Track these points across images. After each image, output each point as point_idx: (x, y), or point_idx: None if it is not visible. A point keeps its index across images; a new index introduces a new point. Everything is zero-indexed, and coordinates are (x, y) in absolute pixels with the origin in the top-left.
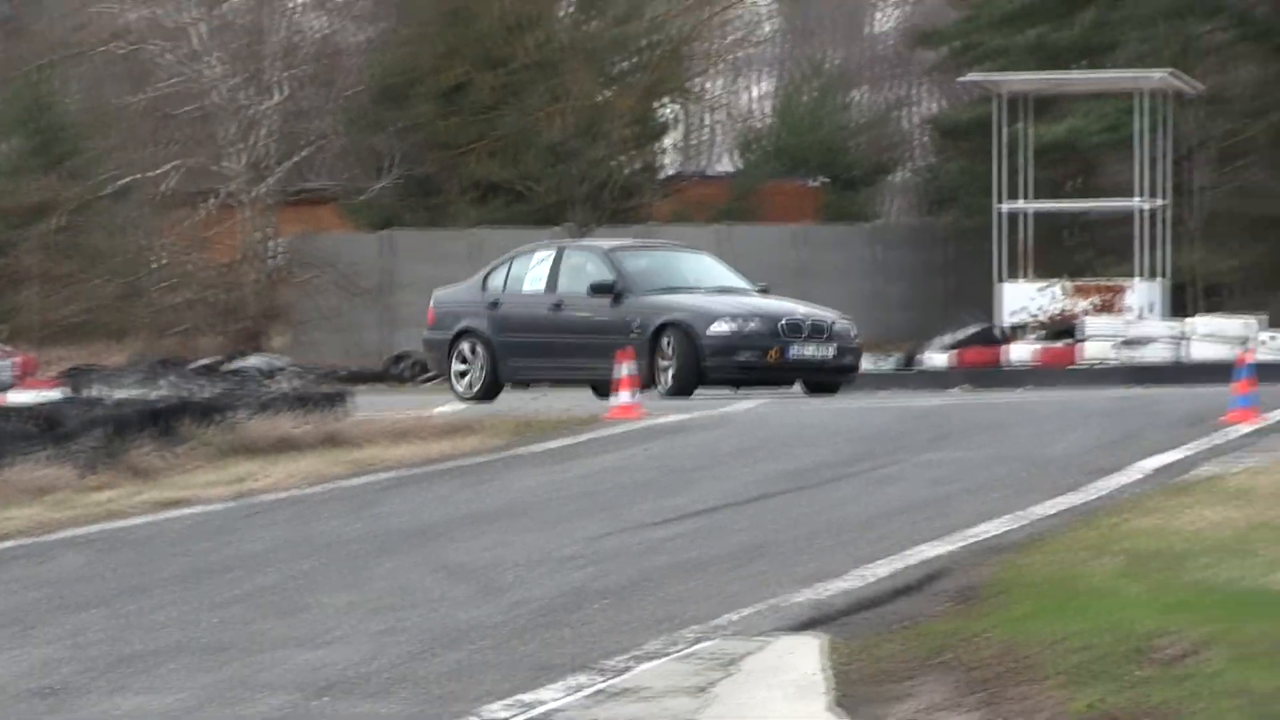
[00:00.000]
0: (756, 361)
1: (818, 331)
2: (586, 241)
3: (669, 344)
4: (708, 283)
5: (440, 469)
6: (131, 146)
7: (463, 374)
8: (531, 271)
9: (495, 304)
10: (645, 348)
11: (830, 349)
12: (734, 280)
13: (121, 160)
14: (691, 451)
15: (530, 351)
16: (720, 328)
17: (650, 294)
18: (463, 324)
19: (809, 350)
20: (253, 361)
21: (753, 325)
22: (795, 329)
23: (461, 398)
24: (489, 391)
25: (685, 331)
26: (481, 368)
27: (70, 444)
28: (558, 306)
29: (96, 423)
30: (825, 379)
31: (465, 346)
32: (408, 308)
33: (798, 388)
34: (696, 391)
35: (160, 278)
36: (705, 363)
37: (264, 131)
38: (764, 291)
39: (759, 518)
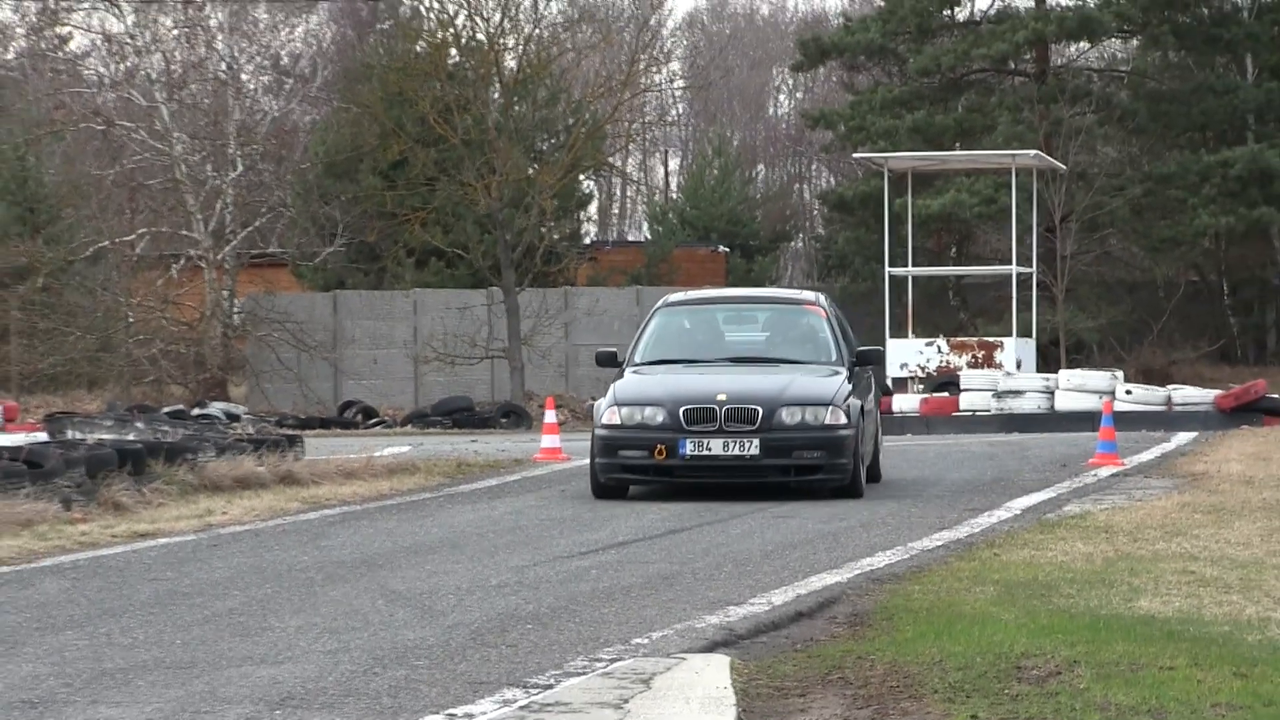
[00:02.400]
0: (643, 461)
1: (741, 420)
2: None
3: None
4: (751, 353)
5: (385, 505)
6: (105, 215)
7: None
8: None
9: None
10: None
11: (753, 445)
12: (804, 351)
13: (96, 227)
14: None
15: None
16: (610, 418)
17: (634, 369)
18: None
19: (715, 447)
20: (215, 409)
21: (646, 414)
22: (702, 417)
23: None
24: None
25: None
26: None
27: (51, 482)
28: None
29: (75, 463)
30: (746, 481)
31: None
32: (354, 359)
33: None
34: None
35: (132, 333)
36: (594, 463)
37: (224, 202)
38: (858, 364)
39: (670, 550)
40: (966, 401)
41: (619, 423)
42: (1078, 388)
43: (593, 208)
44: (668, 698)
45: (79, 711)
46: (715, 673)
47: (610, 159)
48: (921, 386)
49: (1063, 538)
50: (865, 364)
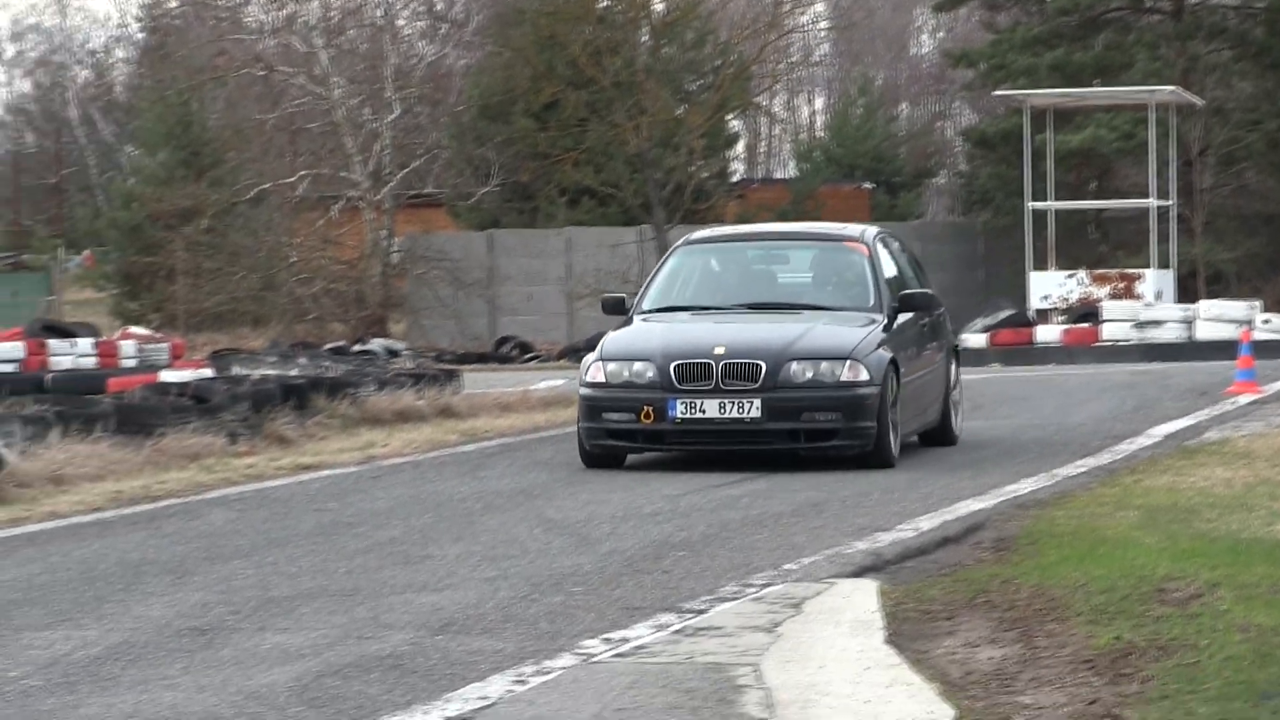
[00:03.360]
0: (629, 425)
1: (740, 377)
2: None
3: None
4: (775, 298)
5: (540, 437)
6: (267, 158)
7: None
8: None
9: None
10: None
11: (753, 407)
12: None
13: (258, 170)
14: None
15: None
16: (595, 374)
17: (641, 316)
18: None
19: (710, 409)
20: (376, 345)
21: (634, 370)
22: (696, 373)
23: None
24: None
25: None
26: None
27: (218, 416)
28: None
29: (240, 398)
30: (745, 449)
31: None
32: (510, 296)
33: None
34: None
35: (294, 272)
36: (579, 427)
37: (382, 144)
38: (900, 309)
39: (817, 479)
40: (1107, 332)
41: (604, 380)
42: (1216, 318)
43: (740, 146)
44: (817, 621)
45: (246, 638)
46: (864, 597)
47: (757, 99)
48: (1063, 318)
49: (1203, 464)
50: (910, 309)
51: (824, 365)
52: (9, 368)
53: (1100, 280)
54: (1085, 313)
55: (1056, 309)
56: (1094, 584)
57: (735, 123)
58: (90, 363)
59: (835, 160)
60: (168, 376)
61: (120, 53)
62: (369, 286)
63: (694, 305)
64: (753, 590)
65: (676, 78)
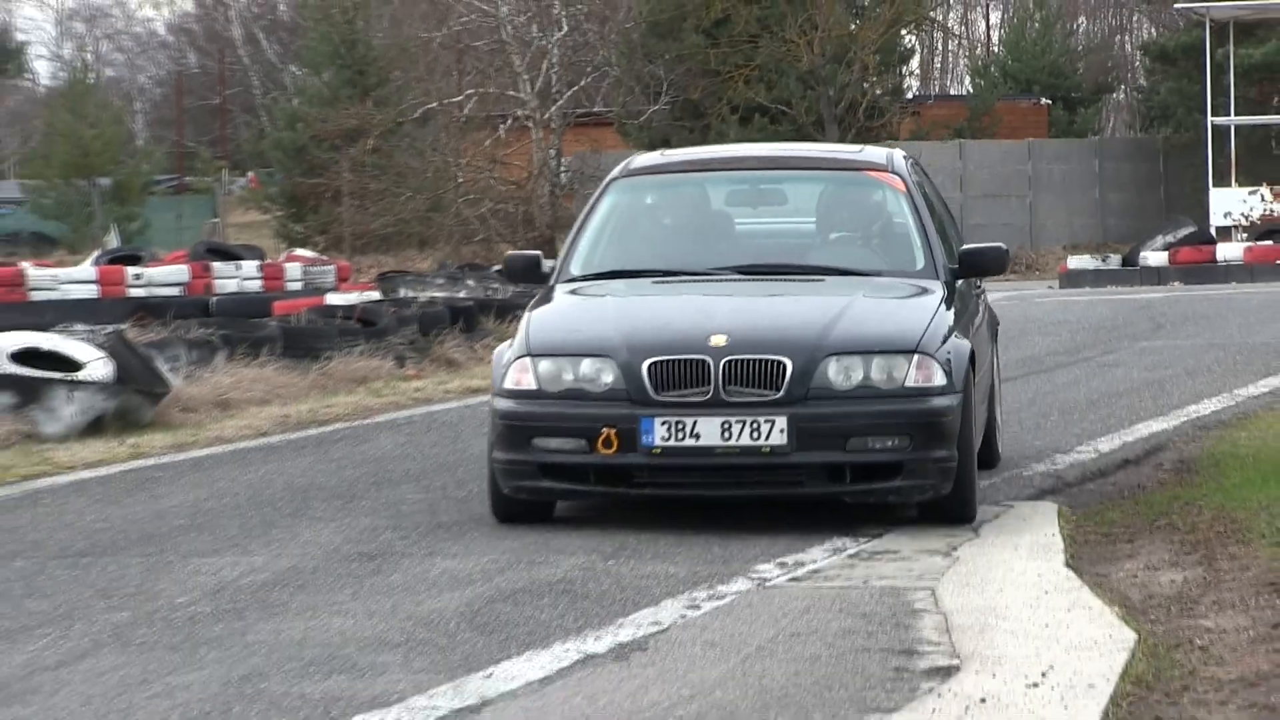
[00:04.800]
0: (576, 458)
1: (754, 382)
2: None
3: None
4: (775, 257)
5: None
6: (433, 77)
7: None
8: None
9: None
10: None
11: (777, 429)
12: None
13: (424, 89)
14: None
15: None
16: (519, 378)
17: (569, 285)
18: None
19: (708, 433)
20: (545, 266)
21: (583, 370)
22: (684, 377)
23: None
24: None
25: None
26: None
27: (385, 339)
28: None
29: (408, 321)
30: (760, 494)
31: None
32: None
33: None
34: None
35: (461, 193)
36: (492, 460)
37: (550, 62)
38: (961, 272)
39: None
40: None
41: (535, 388)
42: None
43: (914, 62)
44: (996, 545)
45: (415, 563)
46: (1042, 520)
47: (932, 13)
48: (1245, 235)
49: None
50: (976, 272)
51: (878, 362)
52: (174, 291)
53: None
54: (1269, 230)
55: (1239, 226)
56: (1278, 506)
57: (909, 37)
58: (255, 286)
59: (1012, 75)
60: (334, 299)
61: None
62: (537, 207)
63: (651, 269)
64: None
65: None
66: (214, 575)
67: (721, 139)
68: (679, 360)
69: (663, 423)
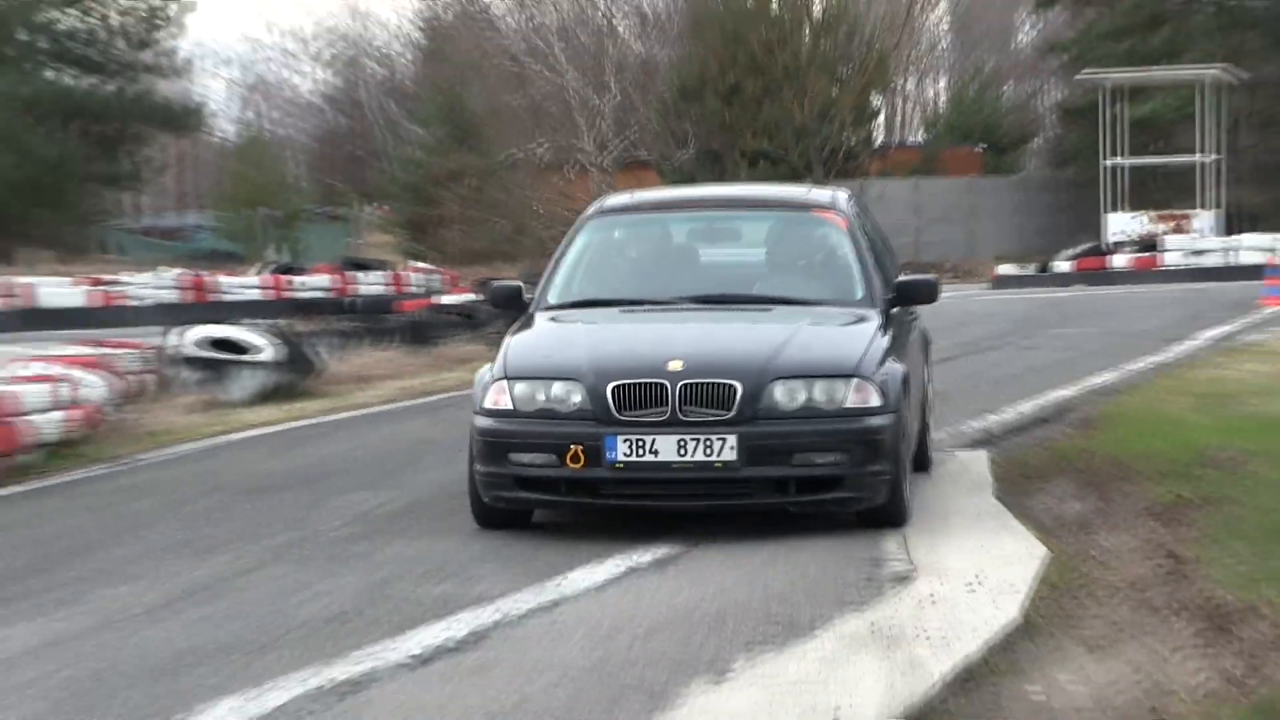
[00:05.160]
0: (548, 472)
1: (708, 402)
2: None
3: None
4: (730, 286)
5: None
6: (516, 131)
7: None
8: None
9: None
10: None
11: (728, 446)
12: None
13: (510, 141)
14: None
15: None
16: (496, 399)
17: (547, 313)
18: None
19: (666, 449)
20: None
21: (554, 392)
22: (643, 398)
23: None
24: None
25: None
26: None
27: (481, 330)
28: None
29: (498, 316)
30: (713, 504)
31: None
32: None
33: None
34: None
35: (539, 220)
36: (473, 473)
37: (604, 119)
38: (897, 300)
39: (944, 374)
40: (1166, 260)
41: (510, 408)
42: (1250, 247)
43: (880, 118)
44: (942, 483)
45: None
46: (977, 464)
47: (893, 81)
48: (1131, 248)
49: (1240, 360)
50: (911, 301)
51: (820, 386)
52: (323, 294)
53: (1160, 219)
54: (1148, 244)
55: (1126, 242)
56: (1156, 453)
57: (876, 100)
58: (384, 290)
59: (955, 128)
60: (443, 300)
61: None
62: None
63: (619, 298)
64: None
65: (831, 66)
66: (355, 508)
67: (735, 177)
68: (639, 383)
69: (624, 440)
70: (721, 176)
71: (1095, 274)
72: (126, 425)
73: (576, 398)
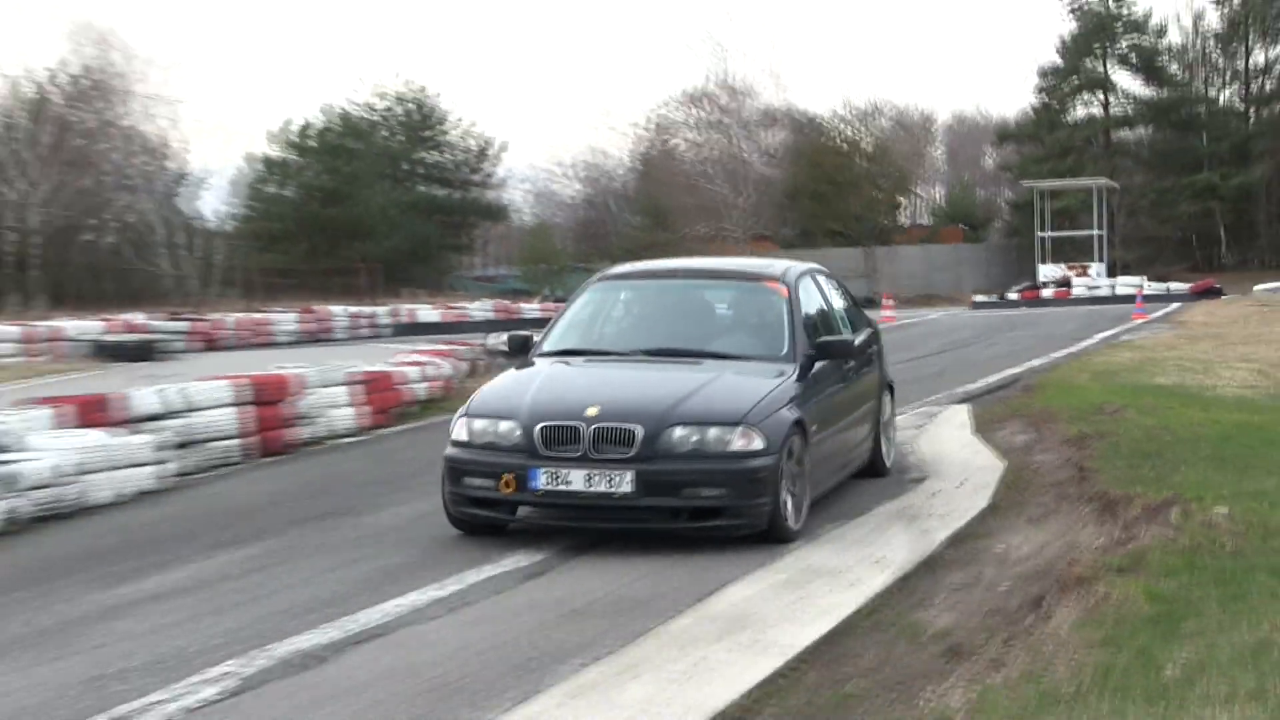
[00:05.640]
0: (489, 493)
1: (613, 443)
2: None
3: None
4: (679, 343)
5: None
6: (690, 218)
7: None
8: None
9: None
10: None
11: (625, 480)
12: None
13: (686, 224)
14: (910, 333)
15: None
16: (459, 431)
17: (540, 358)
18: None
19: (576, 480)
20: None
21: (501, 430)
22: (564, 437)
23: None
24: None
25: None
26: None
27: None
28: None
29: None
30: (616, 527)
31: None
32: None
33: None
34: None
35: None
36: (444, 490)
37: (741, 211)
38: (818, 356)
39: (939, 360)
40: (1075, 292)
41: (467, 440)
42: (1124, 284)
43: (903, 209)
44: (940, 424)
45: None
46: (962, 413)
47: (911, 188)
48: (1053, 285)
49: (1119, 351)
50: (828, 357)
51: (712, 432)
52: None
53: (1071, 268)
54: (1064, 283)
55: (1050, 282)
56: (1069, 406)
57: (901, 199)
58: None
59: (948, 215)
60: None
61: (626, 171)
62: None
63: (591, 349)
64: (912, 408)
65: (874, 180)
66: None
67: (819, 246)
68: (561, 425)
69: (544, 472)
70: (811, 246)
71: (1032, 300)
72: (465, 390)
73: (516, 434)
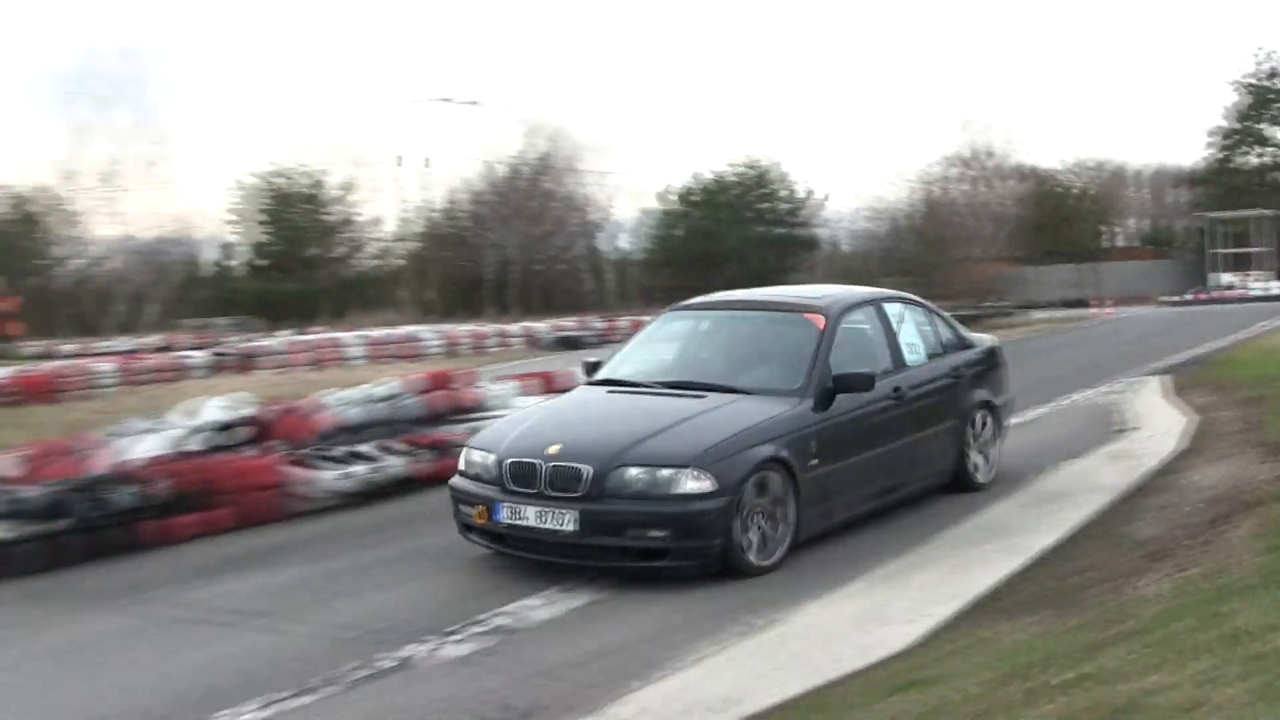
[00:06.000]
0: (473, 522)
1: (564, 482)
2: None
3: None
4: (703, 375)
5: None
6: (958, 245)
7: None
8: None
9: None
10: None
11: (569, 519)
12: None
13: (955, 251)
14: (1118, 324)
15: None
16: (461, 460)
17: (594, 384)
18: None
19: (531, 516)
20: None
21: (488, 462)
22: (525, 475)
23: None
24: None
25: None
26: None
27: None
28: None
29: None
30: (568, 563)
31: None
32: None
33: None
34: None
35: (954, 284)
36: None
37: (991, 240)
38: (837, 390)
39: (1140, 345)
40: (1250, 291)
41: (463, 469)
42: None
43: (1108, 235)
44: (1146, 389)
45: None
46: (1162, 381)
47: (1114, 221)
48: (1221, 289)
49: (1270, 337)
50: (845, 390)
51: (662, 473)
52: None
53: (1238, 275)
54: (1229, 286)
55: (1217, 286)
56: (1243, 376)
57: (1103, 228)
58: None
59: (1148, 238)
60: None
61: (908, 210)
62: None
63: (623, 379)
64: (1122, 378)
65: (1085, 215)
66: None
67: (1050, 264)
68: (523, 462)
69: (506, 506)
70: (1038, 264)
71: (1202, 301)
72: None
73: (492, 468)
